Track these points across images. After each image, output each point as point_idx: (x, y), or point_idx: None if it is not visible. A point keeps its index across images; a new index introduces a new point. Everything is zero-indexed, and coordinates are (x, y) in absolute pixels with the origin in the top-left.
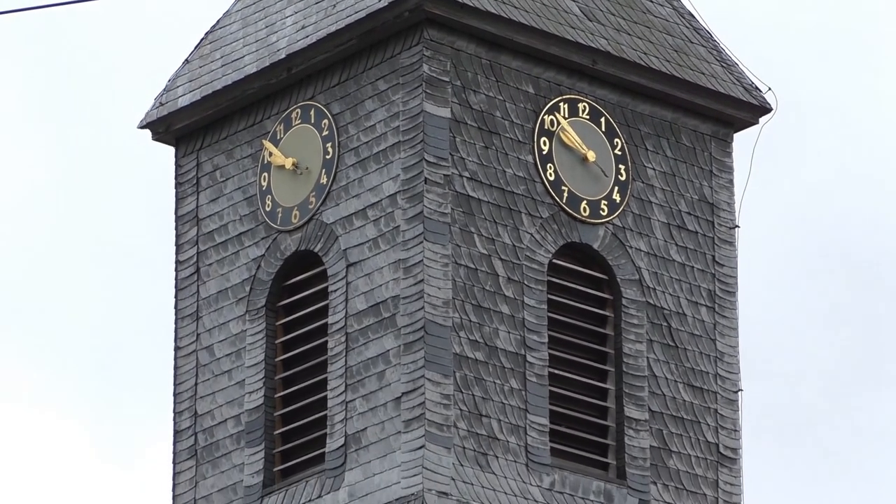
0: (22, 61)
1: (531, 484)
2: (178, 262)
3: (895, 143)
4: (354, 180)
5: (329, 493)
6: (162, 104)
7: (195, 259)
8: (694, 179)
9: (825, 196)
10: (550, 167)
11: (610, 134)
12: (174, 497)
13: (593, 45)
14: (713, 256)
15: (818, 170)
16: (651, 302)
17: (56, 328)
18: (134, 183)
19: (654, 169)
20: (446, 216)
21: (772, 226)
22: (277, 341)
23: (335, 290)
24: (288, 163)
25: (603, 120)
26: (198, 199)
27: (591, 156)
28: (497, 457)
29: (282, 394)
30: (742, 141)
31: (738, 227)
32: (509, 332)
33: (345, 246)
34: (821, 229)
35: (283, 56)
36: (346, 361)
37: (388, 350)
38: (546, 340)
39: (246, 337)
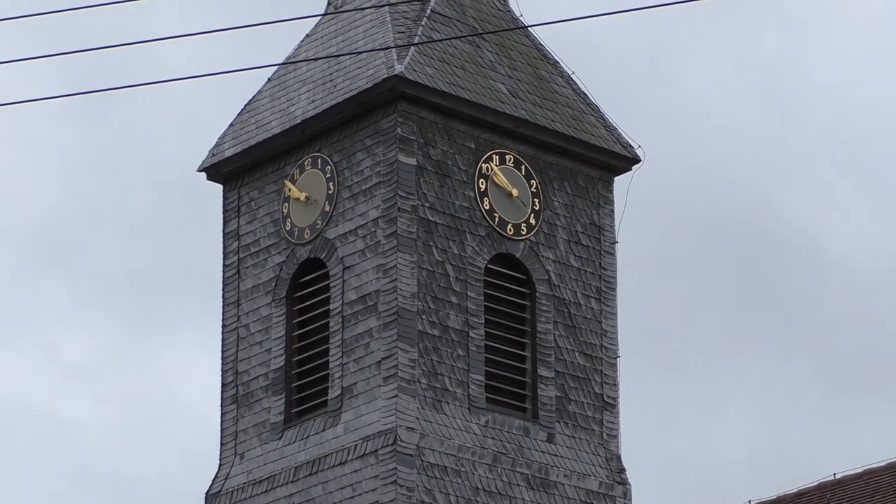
0: (119, 124)
1: (472, 422)
2: (224, 266)
3: (724, 183)
4: (349, 209)
5: (330, 428)
6: (214, 154)
7: (236, 263)
8: (586, 209)
9: (680, 220)
10: (486, 200)
11: (528, 177)
12: (222, 430)
13: (516, 115)
14: (600, 263)
15: (675, 202)
16: (557, 295)
17: (135, 318)
18: (193, 210)
19: (558, 202)
20: (413, 234)
21: (642, 242)
22: (294, 321)
23: (335, 286)
24: (302, 196)
25: (523, 167)
26: (238, 221)
27: (515, 192)
28: (448, 403)
29: (297, 358)
30: (620, 182)
31: (617, 242)
32: (457, 316)
33: (342, 255)
34: (677, 244)
35: (299, 121)
36: (342, 336)
37: (372, 328)
38: (483, 322)
39: (272, 318)
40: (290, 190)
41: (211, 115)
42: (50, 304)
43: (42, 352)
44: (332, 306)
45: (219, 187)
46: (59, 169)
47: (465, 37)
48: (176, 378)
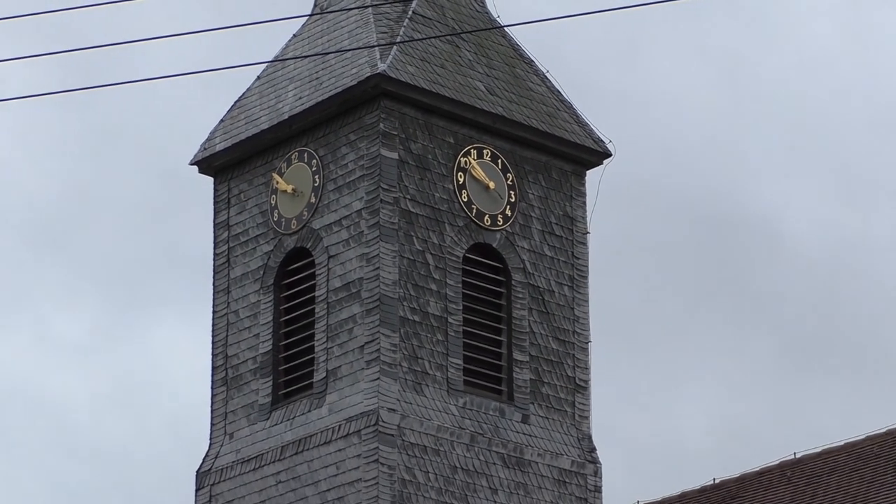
0: (114, 119)
1: (450, 404)
2: (215, 255)
3: (687, 172)
4: (333, 200)
5: (315, 409)
6: (205, 149)
7: (227, 252)
8: (560, 201)
9: (646, 208)
10: (464, 192)
11: (504, 170)
12: (212, 411)
13: (494, 111)
14: (572, 252)
15: (642, 193)
16: (531, 283)
17: (125, 300)
18: (186, 201)
19: (533, 194)
20: (395, 225)
21: (611, 232)
22: (281, 307)
23: (320, 274)
24: (289, 188)
25: (500, 161)
26: (229, 212)
27: (492, 185)
28: (428, 385)
29: (284, 343)
30: (592, 175)
31: (588, 233)
32: (436, 303)
33: (327, 244)
34: (643, 230)
35: (287, 117)
36: (327, 321)
37: (355, 314)
38: (461, 308)
39: (260, 305)
40: (277, 182)
41: (202, 111)
42: (43, 286)
43: (35, 331)
44: (317, 293)
45: (210, 180)
46: (55, 160)
47: (444, 36)
48: (163, 358)
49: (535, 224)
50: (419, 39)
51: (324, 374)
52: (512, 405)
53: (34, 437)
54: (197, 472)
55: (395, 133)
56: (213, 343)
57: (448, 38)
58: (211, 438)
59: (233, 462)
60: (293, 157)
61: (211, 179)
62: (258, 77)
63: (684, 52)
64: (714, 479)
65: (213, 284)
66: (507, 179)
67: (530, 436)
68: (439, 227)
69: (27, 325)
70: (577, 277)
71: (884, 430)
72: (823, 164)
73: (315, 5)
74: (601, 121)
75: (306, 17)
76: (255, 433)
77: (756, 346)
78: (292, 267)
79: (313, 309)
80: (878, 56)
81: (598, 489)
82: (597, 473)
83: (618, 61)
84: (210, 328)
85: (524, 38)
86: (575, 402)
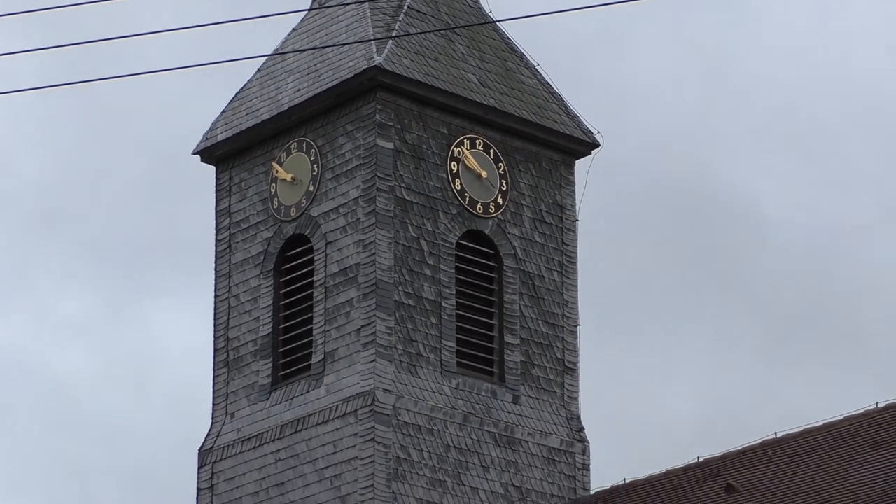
0: (128, 113)
1: (444, 385)
2: (217, 241)
3: (673, 158)
4: (331, 188)
5: (313, 390)
6: (207, 139)
7: (228, 238)
8: (550, 190)
9: (634, 194)
10: (458, 181)
11: (496, 160)
12: (214, 391)
13: (486, 103)
14: (561, 239)
15: (629, 182)
16: (522, 268)
17: (123, 281)
18: (188, 189)
19: (524, 183)
20: (390, 212)
21: (600, 219)
22: (281, 292)
23: (318, 259)
24: (288, 177)
25: (492, 151)
26: (230, 199)
27: (484, 174)
28: (422, 367)
29: (283, 326)
30: (581, 165)
31: (577, 220)
32: (431, 287)
33: (325, 231)
34: (629, 220)
35: (286, 108)
36: (325, 305)
37: (352, 298)
38: (454, 293)
39: (261, 289)
40: (277, 171)
41: (204, 102)
42: (47, 270)
43: (38, 312)
44: (315, 278)
45: (212, 168)
46: (62, 149)
47: (439, 31)
48: (164, 340)
49: (525, 212)
50: (414, 34)
51: (322, 356)
52: (503, 386)
53: (36, 416)
54: (199, 450)
55: (391, 124)
56: (215, 326)
57: (442, 32)
58: (213, 418)
59: (234, 441)
60: (292, 146)
61: (213, 168)
62: (259, 70)
63: (668, 45)
64: (698, 458)
65: (215, 269)
66: (498, 169)
67: (521, 416)
68: (433, 215)
69: (31, 306)
70: (566, 263)
71: (861, 410)
72: (804, 150)
73: (314, 0)
74: (589, 112)
75: (305, 12)
76: (255, 413)
77: (739, 328)
78: (291, 253)
79: (312, 293)
80: (854, 43)
81: (586, 467)
82: (585, 452)
83: (605, 54)
84: (212, 312)
85: (515, 32)
86: (564, 384)
